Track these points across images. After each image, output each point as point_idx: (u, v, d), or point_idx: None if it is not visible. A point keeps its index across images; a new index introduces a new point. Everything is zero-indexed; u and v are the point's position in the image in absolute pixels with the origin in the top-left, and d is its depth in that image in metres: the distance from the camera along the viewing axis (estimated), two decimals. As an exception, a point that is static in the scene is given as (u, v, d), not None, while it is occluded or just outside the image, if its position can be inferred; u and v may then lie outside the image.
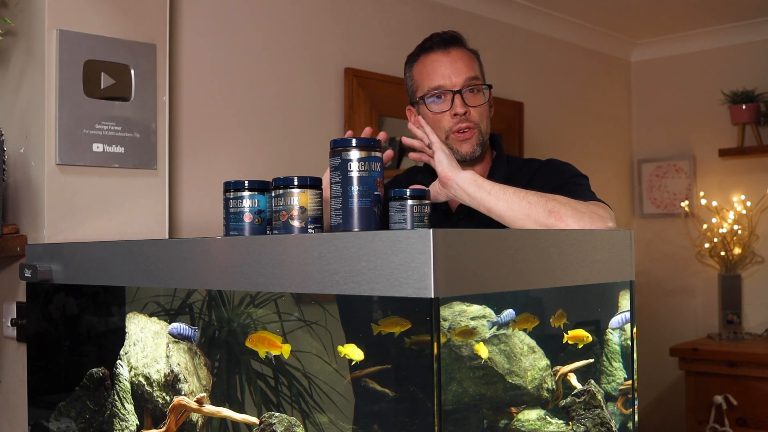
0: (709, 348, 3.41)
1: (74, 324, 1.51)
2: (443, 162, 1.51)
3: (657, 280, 4.01)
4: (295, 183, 1.28)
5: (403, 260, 0.94)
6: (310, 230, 1.28)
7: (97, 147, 1.81)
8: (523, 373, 1.10)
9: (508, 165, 1.78)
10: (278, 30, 2.47)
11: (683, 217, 3.92)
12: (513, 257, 1.06)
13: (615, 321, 1.19)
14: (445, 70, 1.68)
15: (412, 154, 1.64)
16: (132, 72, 1.87)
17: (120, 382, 1.35)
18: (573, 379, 1.17)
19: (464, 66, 1.69)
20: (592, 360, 1.21)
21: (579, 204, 1.46)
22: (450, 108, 1.68)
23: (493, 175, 1.75)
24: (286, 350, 1.09)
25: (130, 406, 1.33)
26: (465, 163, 1.72)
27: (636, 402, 1.28)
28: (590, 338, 1.20)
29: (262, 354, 1.12)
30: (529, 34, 3.50)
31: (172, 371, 1.25)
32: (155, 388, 1.28)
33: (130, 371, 1.33)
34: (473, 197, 1.46)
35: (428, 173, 1.77)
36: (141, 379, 1.31)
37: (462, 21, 3.12)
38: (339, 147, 1.27)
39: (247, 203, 1.33)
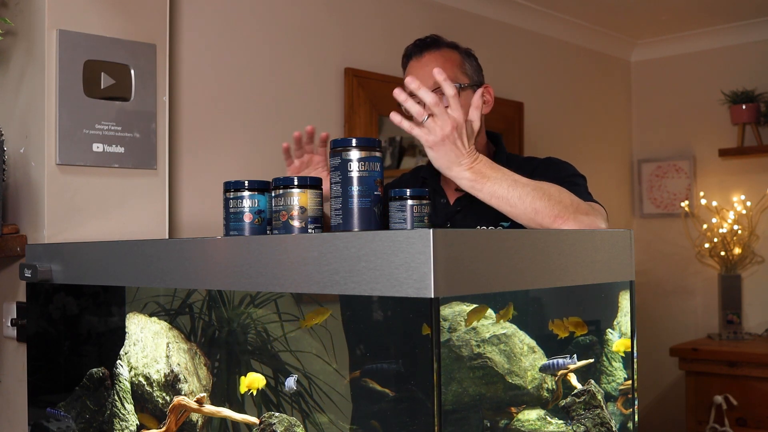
0: (709, 348, 3.41)
1: (74, 324, 1.51)
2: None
3: (657, 280, 4.01)
4: (295, 183, 1.28)
5: (403, 260, 0.94)
6: (310, 230, 1.28)
7: (97, 147, 1.81)
8: (523, 373, 1.10)
9: (508, 163, 1.78)
10: (278, 30, 2.47)
11: (683, 217, 3.92)
12: (513, 257, 1.06)
13: (545, 365, 1.15)
14: (416, 77, 1.63)
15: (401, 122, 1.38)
16: (132, 72, 1.87)
17: (120, 382, 1.35)
18: (573, 379, 1.17)
19: (430, 71, 1.47)
20: (592, 360, 1.21)
21: (581, 205, 1.47)
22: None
23: None
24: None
25: (130, 406, 1.33)
26: None
27: (636, 402, 1.28)
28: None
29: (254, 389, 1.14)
30: (529, 34, 3.49)
31: (172, 371, 1.25)
32: (155, 388, 1.28)
33: (130, 371, 1.33)
34: (488, 177, 1.35)
35: (432, 171, 1.77)
36: (141, 379, 1.31)
37: (462, 21, 3.12)
38: (339, 147, 1.27)
39: (247, 203, 1.33)
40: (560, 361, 1.12)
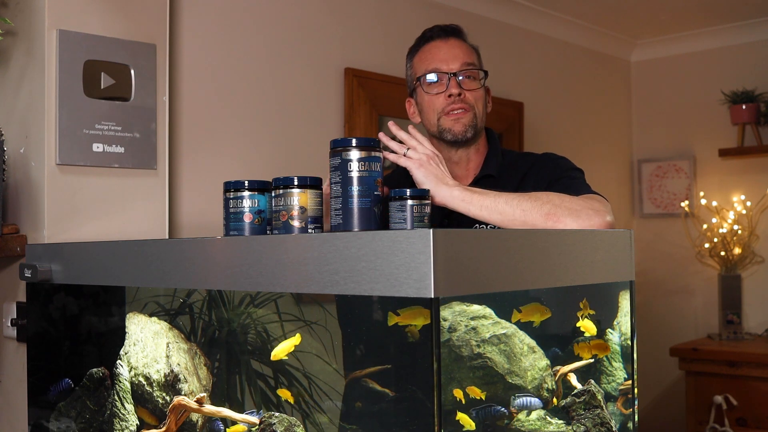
0: (709, 348, 3.41)
1: (74, 324, 1.51)
2: (425, 184, 1.48)
3: (657, 280, 4.01)
4: (295, 183, 1.28)
5: (403, 260, 0.94)
6: (310, 230, 1.28)
7: (97, 147, 1.81)
8: (523, 373, 1.10)
9: (503, 158, 1.79)
10: (278, 30, 2.47)
11: (683, 217, 3.92)
12: (513, 257, 1.06)
13: (519, 402, 1.14)
14: (442, 55, 1.73)
15: (388, 155, 1.58)
16: (132, 72, 1.87)
17: (120, 382, 1.35)
18: (573, 379, 1.17)
19: (461, 52, 1.74)
20: (592, 360, 1.21)
21: (574, 202, 1.46)
22: (445, 89, 1.71)
23: (486, 168, 1.76)
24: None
25: (130, 406, 1.33)
26: (458, 144, 1.73)
27: (636, 402, 1.28)
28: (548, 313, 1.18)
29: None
30: (529, 34, 3.50)
31: (172, 371, 1.25)
32: (155, 388, 1.28)
33: (130, 371, 1.33)
34: (466, 214, 1.47)
35: None
36: (141, 379, 1.31)
37: (461, 21, 3.10)
38: (339, 147, 1.27)
39: (247, 203, 1.33)
40: (533, 400, 1.12)
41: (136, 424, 1.31)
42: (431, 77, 1.72)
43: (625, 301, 1.27)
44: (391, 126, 1.59)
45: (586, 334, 1.22)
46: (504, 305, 1.08)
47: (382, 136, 1.56)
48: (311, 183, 1.29)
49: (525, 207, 1.42)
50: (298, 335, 1.09)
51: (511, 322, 1.09)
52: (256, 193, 1.33)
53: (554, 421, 1.13)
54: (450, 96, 1.70)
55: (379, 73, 2.73)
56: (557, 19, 3.57)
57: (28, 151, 1.79)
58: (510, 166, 1.76)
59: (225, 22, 2.33)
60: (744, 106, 3.63)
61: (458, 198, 1.46)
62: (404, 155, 1.53)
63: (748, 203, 3.73)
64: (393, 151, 1.55)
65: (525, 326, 1.11)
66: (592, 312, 1.22)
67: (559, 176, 1.65)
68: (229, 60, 2.33)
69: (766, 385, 3.24)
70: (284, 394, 1.10)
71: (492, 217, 1.44)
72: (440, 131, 1.73)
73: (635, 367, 1.27)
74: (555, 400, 1.14)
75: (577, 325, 1.21)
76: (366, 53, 2.73)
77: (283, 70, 2.47)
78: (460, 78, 1.71)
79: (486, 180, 1.73)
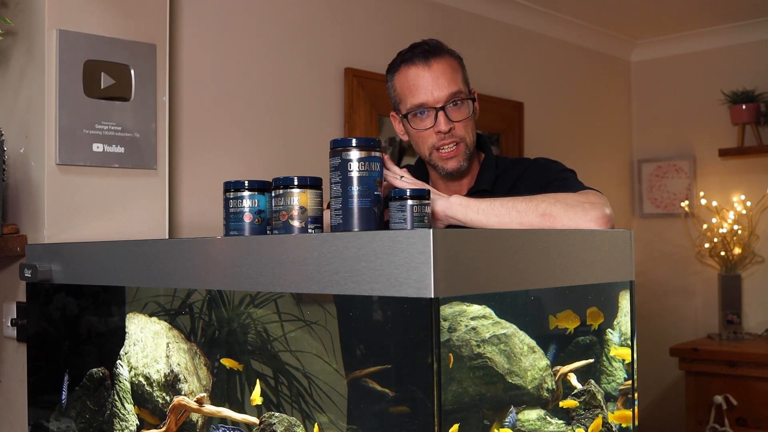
0: (709, 348, 3.41)
1: (74, 324, 1.51)
2: None
3: (657, 280, 4.01)
4: (295, 183, 1.28)
5: (403, 260, 0.94)
6: (310, 230, 1.28)
7: (97, 147, 1.81)
8: (523, 373, 1.10)
9: (497, 166, 1.78)
10: (278, 30, 2.47)
11: (683, 217, 3.92)
12: (513, 257, 1.06)
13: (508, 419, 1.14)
14: (427, 86, 1.65)
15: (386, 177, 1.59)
16: (132, 72, 1.87)
17: (120, 382, 1.35)
18: (573, 379, 1.17)
19: (446, 81, 1.65)
20: (592, 360, 1.21)
21: (569, 198, 1.46)
22: (434, 125, 1.66)
23: (482, 179, 1.75)
24: None
25: (130, 406, 1.33)
26: (453, 176, 1.73)
27: (636, 402, 1.28)
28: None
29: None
30: (529, 34, 3.50)
31: (172, 371, 1.25)
32: (155, 388, 1.28)
33: (130, 371, 1.33)
34: (464, 221, 1.46)
35: (418, 171, 1.78)
36: (141, 379, 1.31)
37: (462, 21, 3.12)
38: (339, 147, 1.27)
39: (247, 203, 1.33)
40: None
41: (136, 424, 1.31)
42: (418, 113, 1.66)
43: (625, 301, 1.27)
44: (386, 159, 1.56)
45: (624, 361, 1.24)
46: (504, 305, 1.08)
47: (386, 158, 1.54)
48: (311, 183, 1.29)
49: (520, 208, 1.42)
50: (257, 382, 1.13)
51: (511, 322, 1.09)
52: (256, 193, 1.33)
53: (554, 421, 1.13)
54: (439, 132, 1.66)
55: (379, 73, 2.72)
56: (557, 19, 3.57)
57: (28, 151, 1.79)
58: (502, 174, 1.76)
59: (225, 22, 2.33)
60: (744, 106, 3.63)
61: (456, 204, 1.46)
62: (400, 179, 1.52)
63: (748, 203, 3.73)
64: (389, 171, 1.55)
65: (525, 326, 1.11)
66: (600, 320, 1.22)
67: (551, 179, 1.64)
68: (229, 60, 2.33)
69: (766, 385, 3.24)
70: (229, 363, 1.11)
71: (489, 220, 1.43)
72: (433, 165, 1.72)
73: (635, 367, 1.28)
74: (562, 403, 1.14)
75: (612, 355, 1.22)
76: (366, 53, 2.73)
77: (283, 70, 2.47)
78: (448, 109, 1.65)
79: (478, 194, 1.72)
